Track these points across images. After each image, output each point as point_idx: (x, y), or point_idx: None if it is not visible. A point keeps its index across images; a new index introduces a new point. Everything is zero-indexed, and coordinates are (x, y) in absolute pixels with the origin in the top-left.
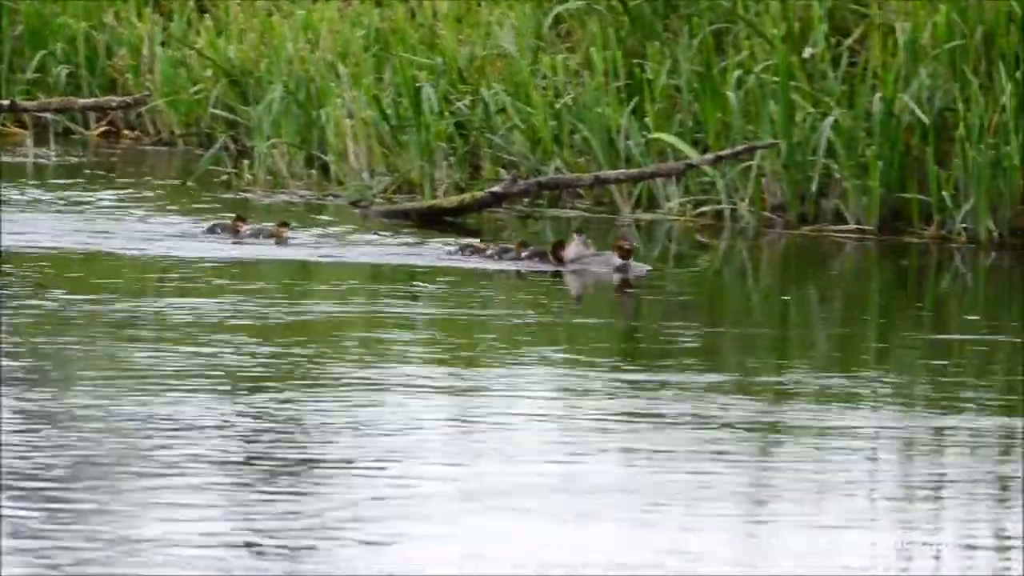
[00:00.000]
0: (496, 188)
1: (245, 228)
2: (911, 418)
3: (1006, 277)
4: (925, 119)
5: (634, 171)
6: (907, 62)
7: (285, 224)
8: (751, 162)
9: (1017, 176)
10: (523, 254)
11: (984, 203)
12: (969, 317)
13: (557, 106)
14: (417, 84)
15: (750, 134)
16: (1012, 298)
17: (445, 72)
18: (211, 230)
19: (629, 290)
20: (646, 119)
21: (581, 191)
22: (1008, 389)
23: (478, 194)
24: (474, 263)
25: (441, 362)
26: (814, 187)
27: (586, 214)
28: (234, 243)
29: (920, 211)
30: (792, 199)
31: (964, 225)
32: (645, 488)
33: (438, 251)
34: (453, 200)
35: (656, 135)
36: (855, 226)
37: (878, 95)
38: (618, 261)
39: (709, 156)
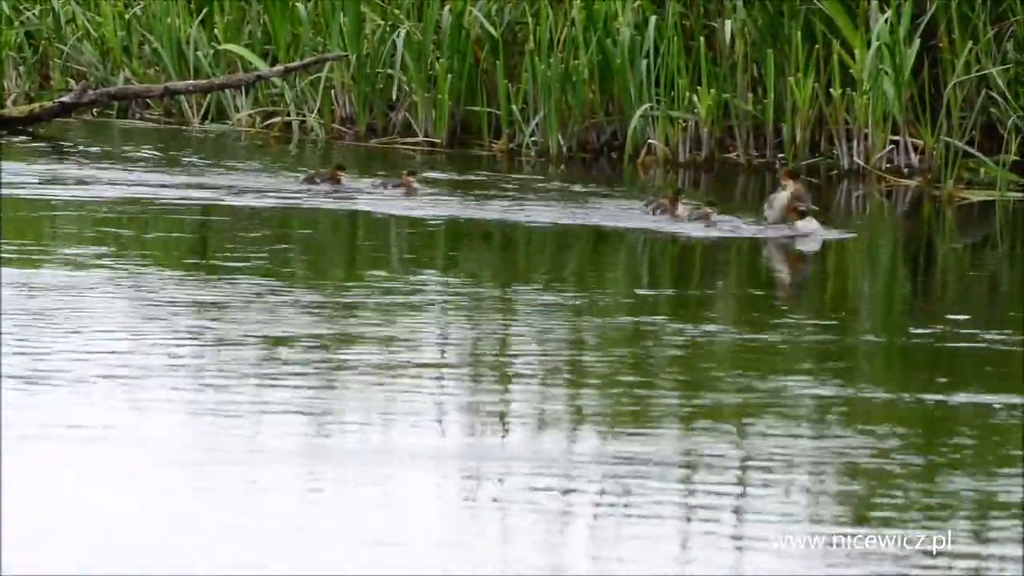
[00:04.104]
0: (65, 98)
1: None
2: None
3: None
4: (495, 32)
5: (204, 82)
6: None
7: (413, 173)
8: (320, 74)
9: (585, 90)
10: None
11: (553, 117)
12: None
13: (127, 16)
14: None
15: (319, 46)
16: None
17: None
18: (309, 180)
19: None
20: (215, 30)
21: (151, 102)
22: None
23: (47, 104)
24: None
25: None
26: (384, 100)
27: (155, 125)
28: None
29: (489, 124)
30: (361, 111)
31: (533, 138)
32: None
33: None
34: (24, 109)
35: (225, 46)
36: (424, 138)
37: (448, 8)
38: (815, 226)
39: (278, 68)
